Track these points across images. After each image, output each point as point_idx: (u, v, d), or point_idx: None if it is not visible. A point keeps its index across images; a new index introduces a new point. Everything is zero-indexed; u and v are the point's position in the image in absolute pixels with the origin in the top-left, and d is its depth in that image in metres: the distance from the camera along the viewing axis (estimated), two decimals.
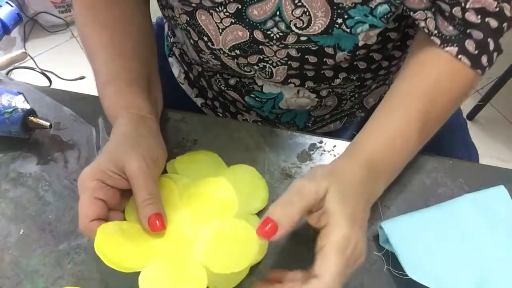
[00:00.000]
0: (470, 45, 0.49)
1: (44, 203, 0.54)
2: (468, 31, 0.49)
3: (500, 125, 1.70)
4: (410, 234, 0.48)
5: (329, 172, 0.45)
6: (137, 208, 0.45)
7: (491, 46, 0.49)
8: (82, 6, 0.58)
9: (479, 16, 0.48)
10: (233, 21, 0.54)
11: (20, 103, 0.57)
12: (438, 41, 0.50)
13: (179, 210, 0.48)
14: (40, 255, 0.50)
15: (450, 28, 0.50)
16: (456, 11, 0.48)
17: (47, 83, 1.62)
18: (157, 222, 0.44)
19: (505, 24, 0.49)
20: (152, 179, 0.46)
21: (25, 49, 1.87)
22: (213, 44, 0.59)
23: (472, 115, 1.69)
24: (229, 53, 0.59)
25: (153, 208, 0.44)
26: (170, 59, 0.78)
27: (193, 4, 0.54)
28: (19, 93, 0.58)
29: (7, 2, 1.27)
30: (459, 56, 0.49)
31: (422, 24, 0.51)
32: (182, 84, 0.77)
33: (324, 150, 0.58)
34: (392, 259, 0.48)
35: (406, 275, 0.46)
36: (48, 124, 0.57)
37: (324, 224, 0.42)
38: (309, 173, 0.46)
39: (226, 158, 0.57)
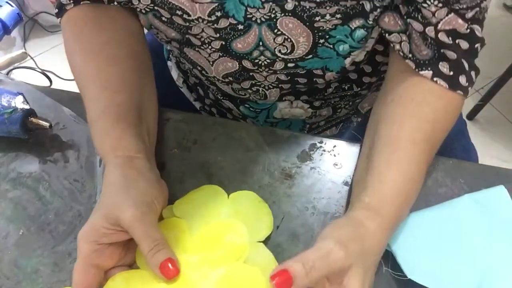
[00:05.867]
0: (444, 67, 0.49)
1: (44, 203, 0.54)
2: (441, 50, 0.49)
3: (500, 125, 1.70)
4: (409, 235, 0.48)
5: (359, 244, 0.42)
6: (145, 259, 0.43)
7: (466, 66, 0.49)
8: (70, 33, 0.57)
9: (450, 38, 0.48)
10: (220, 54, 0.55)
11: (20, 103, 0.57)
12: (412, 64, 0.50)
13: (188, 252, 0.47)
14: (39, 255, 0.50)
15: (424, 52, 0.49)
16: (429, 30, 0.48)
17: (47, 83, 1.62)
18: (170, 266, 0.42)
19: (477, 45, 0.49)
20: (151, 225, 0.44)
21: (25, 49, 1.86)
22: (207, 73, 0.60)
23: (472, 115, 1.69)
24: (223, 80, 0.60)
25: (162, 255, 0.42)
26: (169, 63, 0.78)
27: (173, 42, 0.54)
28: (19, 93, 0.58)
29: (7, 2, 1.27)
30: (435, 79, 0.49)
31: (397, 47, 0.51)
32: (181, 88, 0.77)
33: (324, 150, 0.58)
34: (391, 260, 0.48)
35: (405, 276, 0.45)
36: (47, 124, 0.57)
37: None
38: (340, 233, 0.43)
39: (226, 158, 0.57)
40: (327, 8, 0.48)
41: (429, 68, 0.49)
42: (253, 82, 0.60)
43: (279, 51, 0.53)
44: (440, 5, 0.46)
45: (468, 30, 0.47)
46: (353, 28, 0.51)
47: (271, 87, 0.61)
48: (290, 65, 0.55)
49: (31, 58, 1.82)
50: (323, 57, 0.55)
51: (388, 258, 0.48)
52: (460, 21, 0.47)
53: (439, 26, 0.47)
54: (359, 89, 0.66)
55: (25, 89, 0.64)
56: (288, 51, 0.53)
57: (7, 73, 1.66)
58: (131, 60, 0.56)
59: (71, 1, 0.55)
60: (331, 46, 0.53)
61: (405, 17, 0.49)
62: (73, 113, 0.62)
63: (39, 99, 0.63)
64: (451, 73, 0.49)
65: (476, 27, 0.48)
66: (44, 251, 0.51)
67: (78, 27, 0.56)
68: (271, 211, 0.52)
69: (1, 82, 0.66)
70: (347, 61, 0.56)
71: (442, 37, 0.48)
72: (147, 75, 0.58)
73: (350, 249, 0.40)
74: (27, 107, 0.57)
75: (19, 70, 1.72)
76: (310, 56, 0.54)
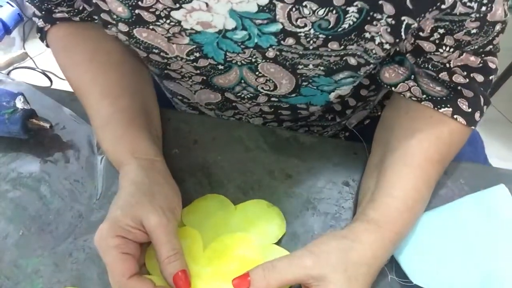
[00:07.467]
0: (463, 104, 0.48)
1: (44, 203, 0.54)
2: (458, 87, 0.48)
3: (500, 124, 1.70)
4: (412, 239, 0.48)
5: (339, 255, 0.42)
6: (160, 264, 0.43)
7: (482, 101, 0.49)
8: (56, 50, 0.56)
9: (465, 73, 0.47)
10: (202, 87, 0.55)
11: (20, 103, 0.57)
12: (430, 104, 0.49)
13: (200, 264, 0.47)
14: (39, 255, 0.50)
15: (438, 88, 0.49)
16: (443, 75, 0.48)
17: (47, 83, 1.62)
18: (182, 279, 0.42)
19: (491, 77, 0.49)
20: (173, 233, 0.43)
21: (24, 49, 1.86)
22: (188, 100, 0.60)
23: None
24: (206, 106, 0.60)
25: (178, 265, 0.42)
26: None
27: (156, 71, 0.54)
28: (19, 93, 0.58)
29: (7, 2, 1.27)
30: (455, 116, 0.48)
31: (408, 94, 0.50)
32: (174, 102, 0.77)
33: (324, 150, 0.58)
34: (396, 267, 0.47)
35: (411, 282, 0.45)
36: (48, 124, 0.57)
37: None
38: (318, 245, 0.43)
39: (226, 158, 0.57)
40: (310, 59, 0.47)
41: (448, 105, 0.48)
42: (236, 111, 0.60)
43: (262, 88, 0.53)
44: (452, 50, 0.45)
45: (481, 64, 0.47)
46: (337, 80, 0.50)
47: (254, 116, 0.61)
48: (273, 99, 0.55)
49: (31, 58, 1.82)
50: (307, 95, 0.54)
51: (393, 265, 0.48)
52: (472, 58, 0.46)
53: (451, 64, 0.47)
54: (342, 119, 0.65)
55: (25, 89, 0.64)
56: (271, 89, 0.53)
57: (7, 74, 1.66)
58: (125, 64, 0.55)
59: (47, 23, 0.56)
60: (315, 87, 0.52)
61: (414, 66, 0.48)
62: (73, 113, 0.62)
63: (39, 99, 0.63)
64: (470, 110, 0.48)
65: (490, 58, 0.47)
66: (44, 251, 0.51)
67: (62, 42, 0.56)
68: (281, 213, 0.51)
69: (1, 82, 0.66)
70: (332, 95, 0.55)
71: (457, 78, 0.47)
72: (144, 77, 0.57)
73: (322, 259, 0.41)
74: (27, 107, 0.57)
75: (19, 70, 1.72)
76: (294, 94, 0.53)
